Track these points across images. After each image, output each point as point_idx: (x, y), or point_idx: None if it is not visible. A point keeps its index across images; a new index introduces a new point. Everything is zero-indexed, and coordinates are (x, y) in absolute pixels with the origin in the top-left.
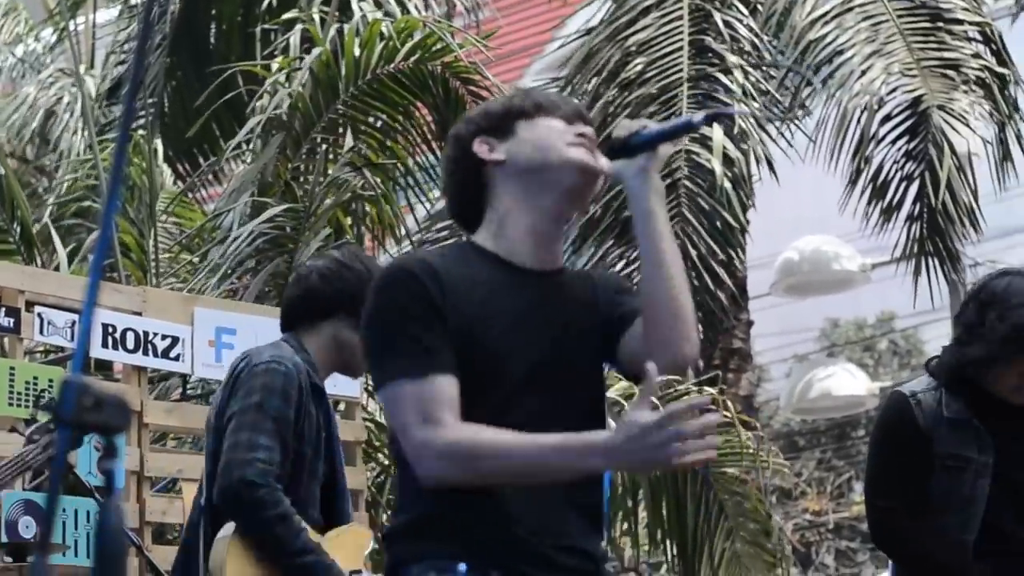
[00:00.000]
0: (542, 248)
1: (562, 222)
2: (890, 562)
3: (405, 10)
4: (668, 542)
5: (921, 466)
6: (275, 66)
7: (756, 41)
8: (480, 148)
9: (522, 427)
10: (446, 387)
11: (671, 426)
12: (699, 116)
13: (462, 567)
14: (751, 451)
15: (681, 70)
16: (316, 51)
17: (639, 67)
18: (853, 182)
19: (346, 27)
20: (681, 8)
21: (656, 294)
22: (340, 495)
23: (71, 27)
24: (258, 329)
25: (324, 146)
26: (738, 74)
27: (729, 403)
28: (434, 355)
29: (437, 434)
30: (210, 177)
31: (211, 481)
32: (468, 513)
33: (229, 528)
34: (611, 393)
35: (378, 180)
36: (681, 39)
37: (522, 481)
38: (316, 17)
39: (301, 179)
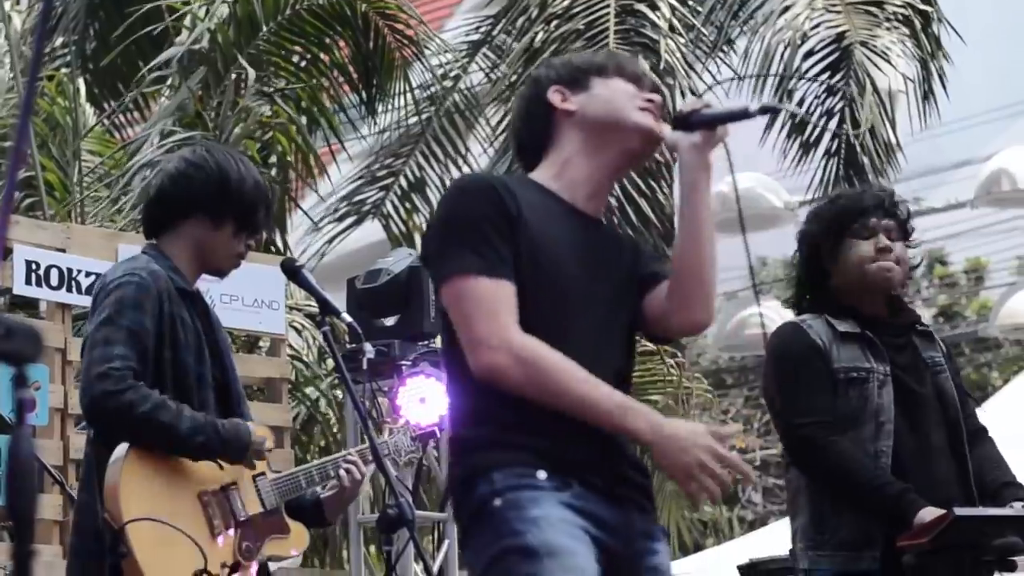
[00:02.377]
0: (595, 197)
1: (616, 177)
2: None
3: None
4: None
5: (825, 380)
6: (195, 2)
7: None
8: (554, 96)
9: (573, 345)
10: (511, 293)
11: (715, 445)
12: (755, 106)
13: (542, 474)
14: (675, 380)
15: (608, 5)
16: None
17: (565, 2)
18: (772, 118)
19: None
20: None
21: (687, 258)
22: (236, 399)
23: None
24: None
25: (235, 76)
26: (664, 8)
27: None
28: (505, 261)
29: (501, 330)
30: (136, 116)
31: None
32: (544, 427)
33: (120, 451)
34: None
35: (295, 114)
36: None
37: (564, 409)
38: None
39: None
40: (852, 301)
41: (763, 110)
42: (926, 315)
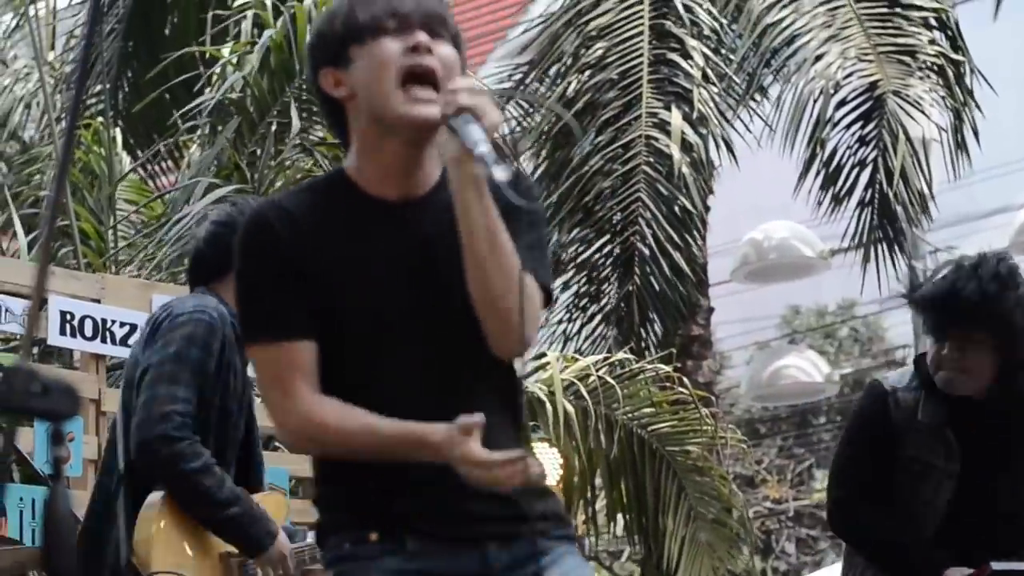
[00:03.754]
0: (401, 178)
1: (419, 152)
2: (842, 553)
3: None
4: (628, 525)
5: (882, 462)
6: (227, 51)
7: (715, 25)
8: (326, 83)
9: (403, 378)
10: (299, 353)
11: (489, 470)
12: (500, 172)
13: (373, 536)
14: (709, 429)
15: (641, 54)
16: (268, 33)
17: (599, 51)
18: (807, 167)
19: (295, 9)
20: None
21: (476, 294)
22: (256, 463)
23: (31, 12)
24: None
25: (274, 128)
26: (698, 58)
27: (686, 380)
28: (287, 319)
29: (288, 406)
30: (170, 164)
31: (126, 436)
32: (370, 481)
33: (156, 497)
34: (533, 387)
35: (328, 162)
36: (641, 23)
37: (372, 457)
38: (268, 2)
39: (257, 163)
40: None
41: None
42: None
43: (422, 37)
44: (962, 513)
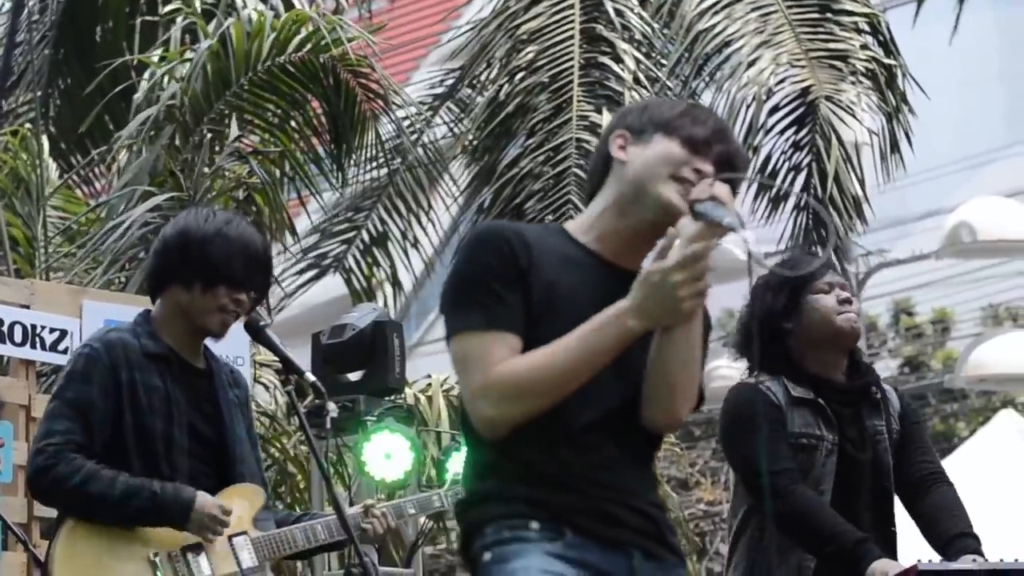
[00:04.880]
0: (626, 253)
1: (644, 240)
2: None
3: (290, 5)
4: None
5: (786, 437)
6: (158, 59)
7: (647, 30)
8: (615, 141)
9: (587, 399)
10: (512, 344)
11: (684, 270)
12: (748, 236)
13: (534, 524)
14: None
15: (572, 58)
16: (206, 43)
17: (530, 55)
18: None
19: (232, 21)
20: None
21: (655, 364)
22: (233, 461)
23: None
24: None
25: (210, 136)
26: (629, 62)
27: None
28: (506, 312)
29: (487, 378)
30: (101, 169)
31: None
32: (538, 476)
33: (62, 527)
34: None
35: (268, 170)
36: (572, 27)
37: (572, 380)
38: (198, 8)
39: (191, 170)
40: (812, 361)
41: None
42: (892, 366)
43: (705, 166)
44: (847, 493)
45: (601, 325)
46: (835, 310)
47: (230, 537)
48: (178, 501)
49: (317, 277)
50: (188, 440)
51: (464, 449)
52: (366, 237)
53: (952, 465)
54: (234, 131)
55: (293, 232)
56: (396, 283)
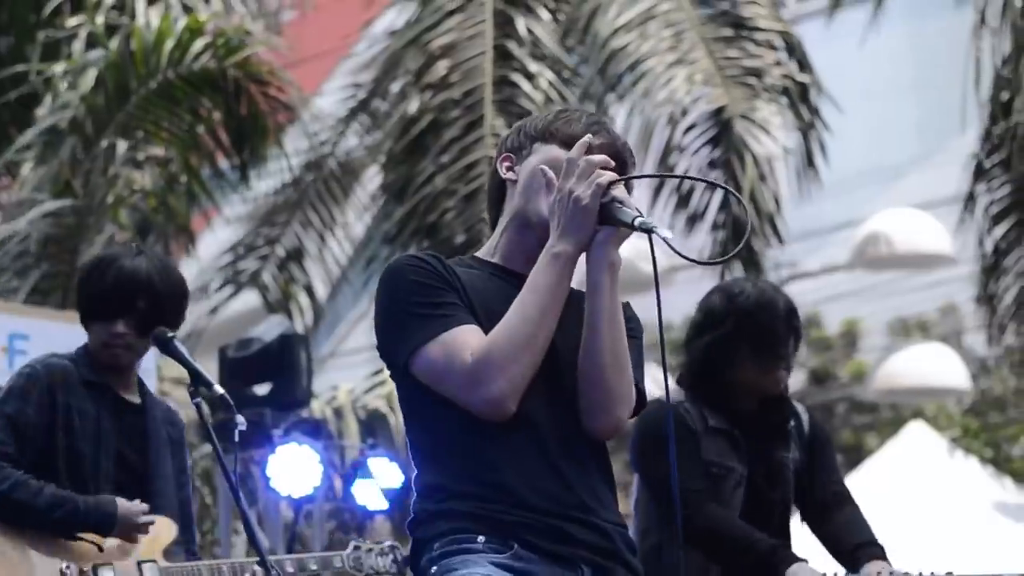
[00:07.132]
0: (532, 260)
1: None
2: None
3: (189, 10)
4: None
5: (698, 459)
6: (59, 69)
7: (558, 49)
8: (502, 164)
9: (536, 410)
10: (468, 333)
11: (571, 176)
12: (665, 232)
13: (480, 538)
14: None
15: (484, 75)
16: (99, 53)
17: (443, 71)
18: (657, 191)
19: (129, 24)
20: (484, 12)
21: (583, 365)
22: (152, 494)
23: None
24: (53, 335)
25: (105, 144)
26: (541, 81)
27: None
28: (456, 310)
29: (469, 362)
30: (6, 179)
31: None
32: (485, 493)
33: None
34: (374, 402)
35: (168, 179)
36: (484, 43)
37: (544, 322)
38: (100, 20)
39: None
40: (731, 397)
41: (645, 230)
42: (799, 378)
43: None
44: (749, 521)
45: (537, 267)
46: (772, 382)
47: (139, 563)
48: (100, 508)
49: (234, 294)
50: (115, 468)
51: (377, 464)
52: (282, 252)
53: (862, 477)
54: (126, 142)
55: (191, 240)
56: (311, 295)
